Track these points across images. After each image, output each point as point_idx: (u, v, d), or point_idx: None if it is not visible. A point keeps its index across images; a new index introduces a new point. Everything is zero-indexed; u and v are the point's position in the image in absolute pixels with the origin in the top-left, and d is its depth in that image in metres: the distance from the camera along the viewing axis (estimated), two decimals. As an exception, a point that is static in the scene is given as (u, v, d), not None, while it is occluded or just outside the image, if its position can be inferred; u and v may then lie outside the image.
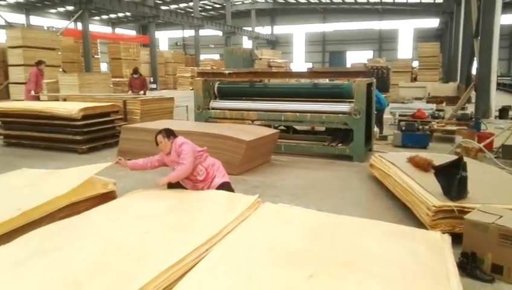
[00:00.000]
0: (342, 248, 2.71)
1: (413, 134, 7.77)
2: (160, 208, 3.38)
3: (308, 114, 7.10)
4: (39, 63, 10.51)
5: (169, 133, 4.06)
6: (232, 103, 7.83)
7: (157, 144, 4.03)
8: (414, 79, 23.63)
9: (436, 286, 2.29)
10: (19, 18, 33.84)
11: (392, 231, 3.03)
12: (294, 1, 39.51)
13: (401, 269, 2.45)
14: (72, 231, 2.90)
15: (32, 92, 10.08)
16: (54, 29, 26.76)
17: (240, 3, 39.65)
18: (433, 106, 11.35)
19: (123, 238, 2.77)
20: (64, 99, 9.36)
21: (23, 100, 10.22)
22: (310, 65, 40.89)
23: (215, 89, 7.93)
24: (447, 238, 2.90)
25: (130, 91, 11.48)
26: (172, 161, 4.03)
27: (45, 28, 26.85)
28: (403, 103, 13.09)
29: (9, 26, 19.73)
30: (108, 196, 3.89)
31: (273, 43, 44.27)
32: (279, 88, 8.26)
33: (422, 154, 5.14)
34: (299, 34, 44.28)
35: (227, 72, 7.92)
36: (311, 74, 8.18)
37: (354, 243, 2.78)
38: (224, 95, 7.97)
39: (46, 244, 2.66)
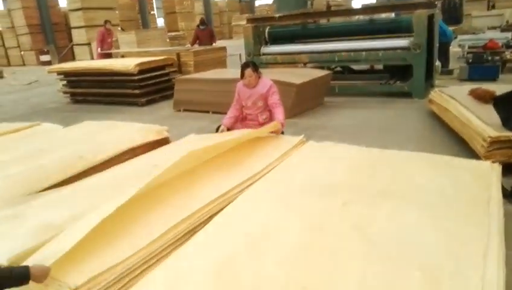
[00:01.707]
0: (381, 178, 2.67)
1: (481, 66, 7.14)
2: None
3: (364, 52, 6.78)
4: (105, 22, 10.94)
5: (257, 68, 4.12)
6: (283, 47, 7.67)
7: (242, 77, 4.07)
8: (492, 7, 21.22)
9: (474, 211, 2.21)
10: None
11: (438, 161, 2.91)
12: None
13: (440, 195, 2.39)
14: (124, 172, 3.11)
15: (99, 50, 10.58)
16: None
17: None
18: (509, 35, 10.20)
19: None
20: (122, 56, 9.75)
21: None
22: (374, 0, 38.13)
23: (266, 34, 7.79)
24: (497, 167, 2.74)
25: (197, 45, 10.47)
26: (251, 95, 4.07)
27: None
28: (473, 33, 11.90)
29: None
30: (162, 142, 4.10)
31: (333, -20, 41.68)
32: (332, 27, 7.92)
33: (488, 86, 4.74)
34: (361, -32, 41.18)
35: (277, 15, 7.71)
36: (366, 9, 7.71)
37: (395, 174, 2.72)
38: (275, 39, 7.81)
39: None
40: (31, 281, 1.74)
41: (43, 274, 1.76)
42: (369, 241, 2.00)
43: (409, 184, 2.57)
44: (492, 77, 6.92)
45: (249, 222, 2.24)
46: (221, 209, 2.44)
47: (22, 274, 1.71)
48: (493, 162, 2.89)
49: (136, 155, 3.65)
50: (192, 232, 2.26)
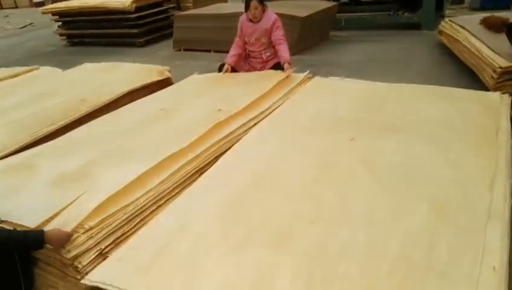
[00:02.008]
0: (389, 113, 2.64)
1: (495, -8, 6.78)
2: (213, 90, 3.44)
3: (371, -20, 6.44)
4: None
5: (262, 0, 3.92)
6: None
7: (246, 10, 3.88)
8: None
9: (482, 142, 2.21)
10: None
11: (447, 94, 2.86)
12: None
13: (448, 127, 2.38)
14: (129, 116, 3.03)
15: None
16: None
17: None
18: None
19: (177, 120, 2.84)
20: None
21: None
22: None
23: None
24: (507, 98, 2.71)
25: None
26: (254, 31, 3.84)
27: None
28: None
29: None
30: (164, 83, 4.03)
31: None
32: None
33: (502, 15, 4.52)
34: None
35: None
36: None
37: (403, 108, 2.69)
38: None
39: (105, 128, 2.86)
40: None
41: (60, 239, 1.66)
42: (376, 175, 2.01)
43: (417, 117, 2.55)
44: (506, 5, 6.59)
45: (255, 160, 2.24)
46: (228, 149, 2.43)
47: (37, 239, 1.63)
48: (503, 93, 2.84)
49: (138, 97, 3.59)
50: (199, 172, 2.28)
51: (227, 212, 1.83)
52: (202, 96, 3.24)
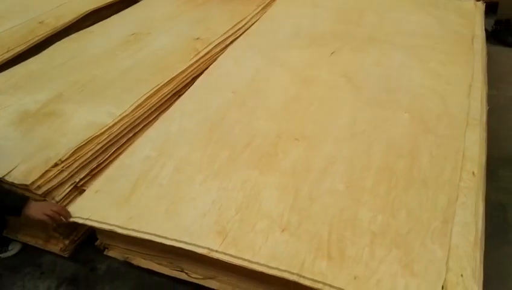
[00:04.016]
0: (368, 25, 2.62)
1: None
2: (186, 10, 3.13)
3: None
4: None
5: None
6: None
7: None
8: None
9: (459, 50, 2.26)
10: None
11: (424, 3, 2.88)
12: None
13: (426, 37, 2.43)
14: (95, 41, 2.78)
15: None
16: None
17: None
18: None
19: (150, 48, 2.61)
20: None
21: None
22: None
23: None
24: (481, 6, 2.80)
25: None
26: None
27: None
28: None
29: None
30: (130, 0, 3.70)
31: None
32: None
33: None
34: None
35: None
36: None
37: (382, 20, 2.68)
38: None
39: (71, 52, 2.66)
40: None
41: (39, 210, 1.45)
42: (357, 88, 2.00)
43: (396, 28, 2.56)
44: None
45: (235, 79, 2.16)
46: (205, 69, 2.32)
47: (15, 208, 1.45)
48: (477, 0, 2.89)
49: (102, 17, 3.31)
50: (177, 95, 2.18)
51: (208, 135, 1.78)
52: (176, 18, 2.98)
